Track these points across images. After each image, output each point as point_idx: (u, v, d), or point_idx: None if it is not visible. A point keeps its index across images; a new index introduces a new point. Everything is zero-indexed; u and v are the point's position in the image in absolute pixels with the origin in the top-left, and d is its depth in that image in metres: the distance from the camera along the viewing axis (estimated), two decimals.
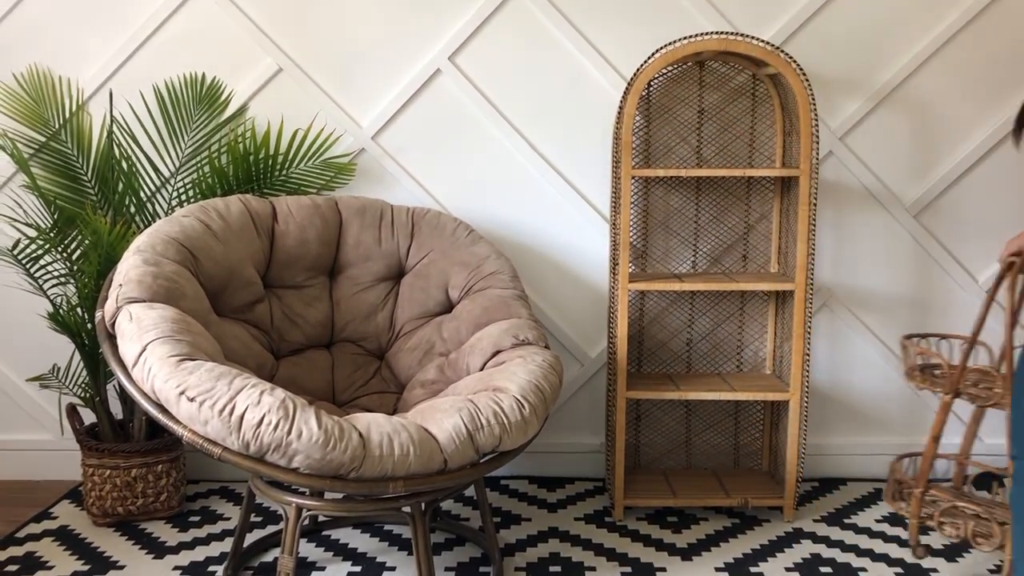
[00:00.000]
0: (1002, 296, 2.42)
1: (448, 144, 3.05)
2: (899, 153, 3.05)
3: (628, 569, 2.54)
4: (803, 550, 2.66)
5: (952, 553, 2.62)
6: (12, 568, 2.52)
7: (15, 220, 2.87)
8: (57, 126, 2.92)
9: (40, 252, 2.78)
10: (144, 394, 2.09)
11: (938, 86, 3.02)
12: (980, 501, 2.58)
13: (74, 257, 2.80)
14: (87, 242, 2.74)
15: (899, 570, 2.54)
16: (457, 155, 3.06)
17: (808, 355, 2.80)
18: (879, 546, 2.67)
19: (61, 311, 2.77)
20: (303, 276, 2.70)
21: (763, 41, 2.74)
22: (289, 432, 1.95)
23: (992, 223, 3.09)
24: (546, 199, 3.08)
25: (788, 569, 2.55)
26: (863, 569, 2.54)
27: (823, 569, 2.54)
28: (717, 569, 2.55)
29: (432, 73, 3.01)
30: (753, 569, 2.55)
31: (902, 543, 2.69)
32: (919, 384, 2.53)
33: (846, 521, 2.85)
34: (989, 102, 3.03)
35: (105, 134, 2.93)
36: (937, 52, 2.99)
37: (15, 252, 2.73)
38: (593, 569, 2.54)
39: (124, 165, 2.89)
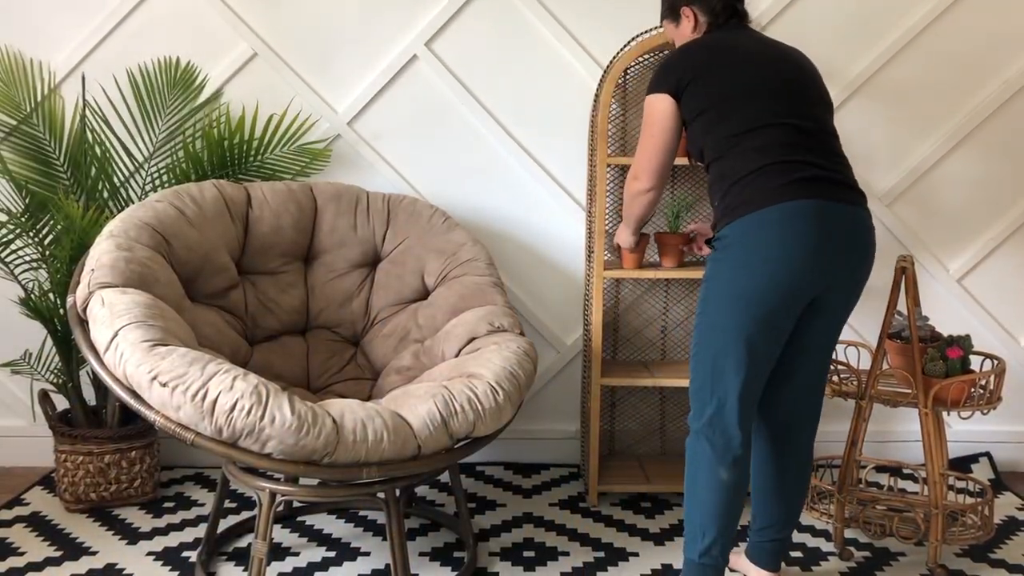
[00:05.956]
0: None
1: (424, 130, 3.05)
2: (872, 143, 3.08)
3: (601, 554, 2.56)
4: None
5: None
6: None
7: None
8: (28, 110, 2.89)
9: (11, 237, 2.75)
10: (116, 379, 2.08)
11: (911, 76, 3.04)
12: (901, 498, 2.63)
13: (46, 242, 2.77)
14: (59, 227, 2.72)
15: (867, 553, 2.57)
16: (433, 141, 3.05)
17: None
18: (847, 532, 2.70)
19: (33, 296, 2.75)
20: (278, 262, 2.69)
21: None
22: (262, 417, 1.95)
23: (964, 212, 3.13)
24: (522, 186, 3.08)
25: None
26: (832, 553, 2.57)
27: (793, 554, 2.57)
28: None
29: (409, 59, 3.00)
30: None
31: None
32: (828, 394, 2.47)
33: (816, 506, 2.88)
34: (962, 92, 3.06)
35: (78, 118, 2.90)
36: (910, 43, 3.01)
37: None
38: (567, 554, 2.56)
39: (97, 150, 2.86)
